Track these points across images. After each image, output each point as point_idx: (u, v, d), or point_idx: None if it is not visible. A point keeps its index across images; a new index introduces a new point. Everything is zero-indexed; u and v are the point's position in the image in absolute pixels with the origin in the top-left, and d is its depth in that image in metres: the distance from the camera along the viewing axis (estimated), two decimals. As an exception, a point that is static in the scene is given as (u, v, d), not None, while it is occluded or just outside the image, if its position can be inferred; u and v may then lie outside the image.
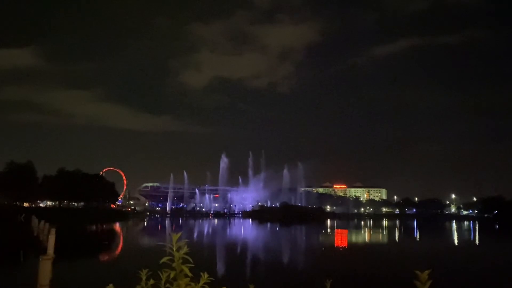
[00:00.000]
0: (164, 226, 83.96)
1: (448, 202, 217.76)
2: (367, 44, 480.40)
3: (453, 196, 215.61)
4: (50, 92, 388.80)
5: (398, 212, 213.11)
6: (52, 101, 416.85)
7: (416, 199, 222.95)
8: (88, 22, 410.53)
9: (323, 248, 41.66)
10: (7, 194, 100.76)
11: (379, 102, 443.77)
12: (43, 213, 68.48)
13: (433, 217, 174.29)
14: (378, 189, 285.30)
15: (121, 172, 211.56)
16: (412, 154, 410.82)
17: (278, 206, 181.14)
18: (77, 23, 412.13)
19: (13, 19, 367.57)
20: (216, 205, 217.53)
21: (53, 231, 19.48)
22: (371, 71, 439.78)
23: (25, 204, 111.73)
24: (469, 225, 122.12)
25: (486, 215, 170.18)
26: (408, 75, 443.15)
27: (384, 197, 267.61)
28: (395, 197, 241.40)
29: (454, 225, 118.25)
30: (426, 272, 2.01)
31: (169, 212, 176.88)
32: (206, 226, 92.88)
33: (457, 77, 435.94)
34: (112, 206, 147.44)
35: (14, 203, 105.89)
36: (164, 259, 2.40)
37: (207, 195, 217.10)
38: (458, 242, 56.25)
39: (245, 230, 78.65)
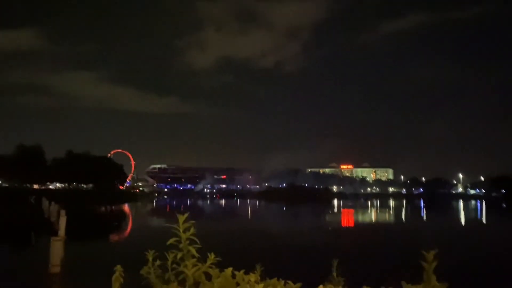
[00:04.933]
0: (172, 207, 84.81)
1: (455, 182, 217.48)
2: (375, 21, 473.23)
3: (460, 175, 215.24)
4: (55, 74, 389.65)
5: (405, 192, 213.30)
6: (58, 83, 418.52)
7: (423, 178, 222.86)
8: (92, 2, 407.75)
9: (330, 228, 41.93)
10: (17, 177, 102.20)
11: (386, 80, 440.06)
12: (53, 195, 69.40)
13: (440, 197, 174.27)
14: (384, 169, 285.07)
15: (129, 154, 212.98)
16: (419, 134, 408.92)
17: (285, 186, 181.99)
18: (80, 2, 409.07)
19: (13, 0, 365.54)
20: (224, 186, 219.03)
21: (63, 212, 19.78)
22: (380, 48, 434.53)
23: (35, 186, 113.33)
24: (476, 204, 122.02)
25: (494, 194, 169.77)
26: (417, 52, 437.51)
27: (391, 177, 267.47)
28: (402, 177, 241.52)
29: (461, 204, 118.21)
30: (432, 252, 2.00)
31: (176, 193, 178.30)
32: (214, 207, 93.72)
33: (466, 53, 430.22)
34: (121, 187, 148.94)
35: (24, 185, 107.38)
36: (171, 241, 2.42)
37: (214, 176, 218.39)
38: (465, 222, 56.32)
39: (251, 211, 79.28)
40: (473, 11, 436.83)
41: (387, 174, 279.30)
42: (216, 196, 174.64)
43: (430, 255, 1.96)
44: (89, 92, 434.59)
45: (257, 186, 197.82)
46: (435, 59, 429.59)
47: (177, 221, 2.45)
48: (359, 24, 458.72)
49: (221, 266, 2.43)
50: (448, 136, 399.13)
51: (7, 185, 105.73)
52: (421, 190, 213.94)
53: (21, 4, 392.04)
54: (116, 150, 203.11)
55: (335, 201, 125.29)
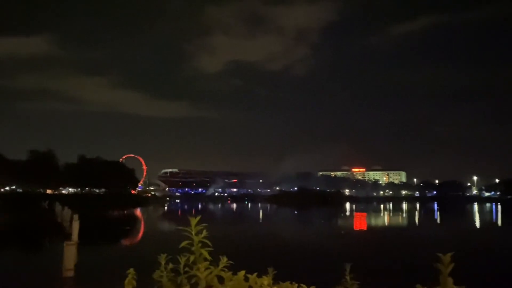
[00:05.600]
0: (184, 211, 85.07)
1: (469, 184, 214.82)
2: (385, 23, 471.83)
3: (475, 177, 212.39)
4: (66, 79, 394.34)
5: (418, 195, 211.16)
6: (69, 88, 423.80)
7: (437, 181, 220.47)
8: (101, 8, 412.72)
9: (342, 232, 41.65)
10: (31, 182, 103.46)
11: (397, 83, 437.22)
12: (66, 200, 70.17)
13: (454, 200, 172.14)
14: (397, 171, 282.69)
15: (141, 159, 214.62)
16: (432, 136, 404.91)
17: (296, 190, 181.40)
18: (90, 8, 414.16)
19: (25, 7, 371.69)
20: (234, 190, 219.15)
21: (76, 217, 19.95)
22: (389, 51, 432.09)
23: (48, 191, 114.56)
24: (491, 207, 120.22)
25: (509, 197, 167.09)
26: (428, 54, 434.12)
27: (404, 180, 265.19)
28: (415, 179, 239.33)
29: (476, 207, 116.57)
30: (449, 255, 1.96)
31: (187, 197, 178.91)
32: (225, 211, 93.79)
33: (478, 55, 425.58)
34: (133, 192, 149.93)
35: (38, 190, 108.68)
36: (184, 244, 2.42)
37: (225, 180, 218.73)
38: (480, 225, 55.50)
39: (262, 214, 79.16)
40: (483, 12, 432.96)
41: (400, 177, 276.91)
42: (227, 200, 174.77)
43: (447, 257, 1.93)
44: (100, 97, 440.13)
45: (268, 190, 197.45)
46: (446, 61, 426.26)
47: (189, 225, 2.45)
48: (368, 26, 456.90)
49: (233, 269, 2.42)
50: (462, 138, 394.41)
51: (21, 190, 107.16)
52: (435, 193, 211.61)
53: (33, 12, 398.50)
54: (128, 155, 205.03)
55: (347, 205, 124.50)
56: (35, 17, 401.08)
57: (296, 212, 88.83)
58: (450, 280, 1.93)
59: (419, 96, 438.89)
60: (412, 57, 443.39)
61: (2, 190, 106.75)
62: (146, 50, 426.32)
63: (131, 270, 2.58)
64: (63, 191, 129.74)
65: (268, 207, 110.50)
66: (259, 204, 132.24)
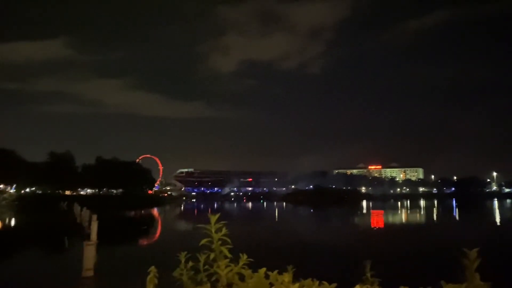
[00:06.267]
0: (200, 210, 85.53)
1: (488, 180, 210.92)
2: (400, 18, 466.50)
3: (494, 173, 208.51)
4: (83, 82, 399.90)
5: (436, 192, 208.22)
6: (86, 91, 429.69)
7: (455, 177, 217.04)
8: (116, 11, 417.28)
9: (359, 229, 41.33)
10: (50, 183, 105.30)
11: (414, 79, 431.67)
12: (84, 201, 71.20)
13: (474, 196, 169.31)
14: (414, 168, 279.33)
15: (157, 159, 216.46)
16: (449, 132, 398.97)
17: (312, 188, 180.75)
18: (106, 12, 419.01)
19: (42, 12, 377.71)
20: (250, 189, 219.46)
21: (95, 217, 20.20)
22: (405, 47, 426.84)
23: (67, 192, 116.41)
24: None
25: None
26: (446, 49, 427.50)
27: (421, 176, 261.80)
28: (433, 176, 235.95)
29: (496, 203, 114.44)
30: (475, 250, 1.92)
31: (203, 197, 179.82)
32: (241, 210, 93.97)
33: (497, 50, 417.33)
34: (149, 192, 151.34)
35: (57, 191, 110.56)
36: (204, 241, 2.41)
37: (240, 179, 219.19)
38: (501, 222, 54.46)
39: (278, 213, 79.07)
40: (503, 5, 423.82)
41: (417, 173, 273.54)
42: (243, 199, 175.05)
43: (473, 253, 1.88)
44: (116, 99, 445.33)
45: (283, 189, 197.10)
46: (464, 56, 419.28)
47: (208, 222, 2.45)
48: (383, 22, 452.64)
49: (253, 267, 2.41)
50: (480, 134, 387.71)
51: (40, 192, 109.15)
52: (453, 189, 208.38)
53: (50, 16, 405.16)
54: (145, 156, 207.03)
55: (364, 203, 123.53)
56: (52, 21, 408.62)
57: (312, 210, 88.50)
58: (477, 276, 1.88)
59: (437, 92, 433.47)
60: (429, 52, 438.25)
61: (23, 192, 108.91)
62: (161, 52, 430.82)
63: (153, 268, 2.59)
64: (81, 192, 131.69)
65: (284, 206, 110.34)
66: (275, 203, 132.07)
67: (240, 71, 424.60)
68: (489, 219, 55.57)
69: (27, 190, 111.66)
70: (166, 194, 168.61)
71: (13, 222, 54.95)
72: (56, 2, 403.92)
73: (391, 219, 59.41)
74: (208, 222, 2.47)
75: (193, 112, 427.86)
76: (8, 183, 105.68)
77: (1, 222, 53.46)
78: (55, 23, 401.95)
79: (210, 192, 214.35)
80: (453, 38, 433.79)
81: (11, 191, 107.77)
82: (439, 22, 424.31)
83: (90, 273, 15.49)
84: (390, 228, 44.34)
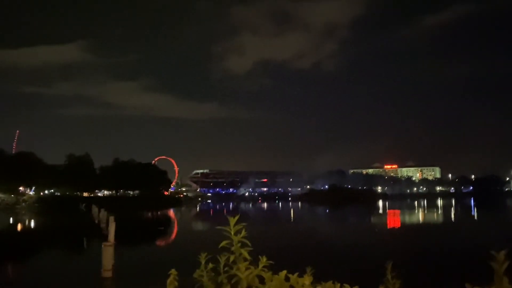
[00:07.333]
0: (216, 211, 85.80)
1: (508, 179, 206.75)
2: (416, 14, 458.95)
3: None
4: (100, 85, 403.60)
5: (454, 191, 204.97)
6: (102, 94, 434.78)
7: (473, 176, 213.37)
8: (130, 14, 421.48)
9: (376, 230, 40.93)
10: (69, 185, 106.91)
11: (430, 76, 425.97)
12: (102, 202, 72.09)
13: (492, 195, 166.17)
14: (431, 167, 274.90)
15: (173, 160, 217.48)
16: (467, 130, 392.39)
17: (327, 188, 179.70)
18: (120, 15, 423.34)
19: (58, 16, 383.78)
20: (265, 189, 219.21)
21: (112, 218, 20.43)
22: (422, 43, 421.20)
23: (85, 194, 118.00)
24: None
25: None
26: (463, 46, 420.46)
27: (438, 175, 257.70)
28: (450, 175, 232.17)
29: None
30: (503, 252, 1.86)
31: (219, 197, 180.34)
32: (256, 210, 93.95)
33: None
34: (166, 193, 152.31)
35: (75, 193, 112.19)
36: (223, 243, 2.40)
37: (256, 180, 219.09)
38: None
39: (294, 213, 78.81)
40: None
41: (434, 173, 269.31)
42: (258, 200, 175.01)
43: (501, 255, 1.82)
44: (132, 101, 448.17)
45: (299, 189, 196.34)
46: (482, 52, 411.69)
47: (224, 224, 2.43)
48: (399, 18, 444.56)
49: (272, 269, 2.38)
50: (498, 132, 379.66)
51: (59, 194, 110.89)
52: (471, 188, 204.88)
53: (67, 21, 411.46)
54: (160, 157, 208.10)
55: (380, 202, 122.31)
56: (69, 26, 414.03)
57: (328, 210, 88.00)
58: (505, 279, 1.82)
59: (454, 89, 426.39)
60: (446, 49, 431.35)
61: (42, 193, 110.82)
62: (175, 54, 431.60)
63: (173, 271, 2.59)
64: (99, 194, 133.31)
65: (300, 206, 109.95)
66: (290, 203, 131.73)
67: (255, 71, 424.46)
68: (508, 219, 54.45)
69: (46, 192, 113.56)
70: (182, 195, 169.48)
71: (33, 224, 55.96)
72: (73, 7, 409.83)
73: (408, 219, 58.69)
74: (225, 223, 2.45)
75: (208, 112, 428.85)
76: (27, 185, 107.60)
77: (22, 223, 54.51)
78: (72, 27, 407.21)
79: (225, 193, 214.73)
80: (471, 34, 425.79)
81: (31, 193, 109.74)
82: (456, 17, 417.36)
83: (109, 274, 15.65)
84: (406, 228, 43.78)
